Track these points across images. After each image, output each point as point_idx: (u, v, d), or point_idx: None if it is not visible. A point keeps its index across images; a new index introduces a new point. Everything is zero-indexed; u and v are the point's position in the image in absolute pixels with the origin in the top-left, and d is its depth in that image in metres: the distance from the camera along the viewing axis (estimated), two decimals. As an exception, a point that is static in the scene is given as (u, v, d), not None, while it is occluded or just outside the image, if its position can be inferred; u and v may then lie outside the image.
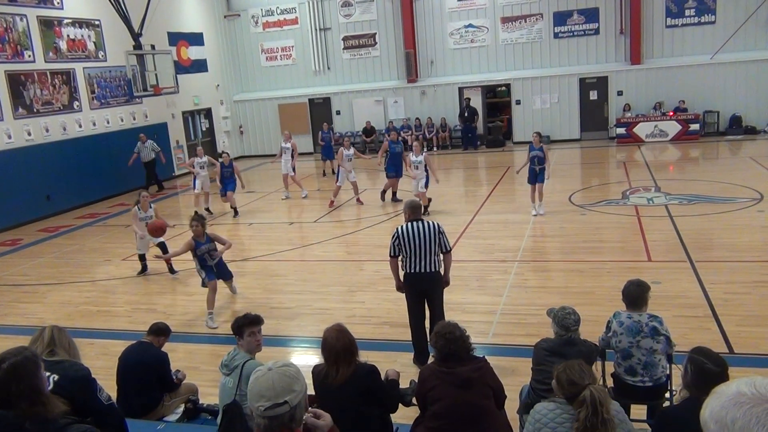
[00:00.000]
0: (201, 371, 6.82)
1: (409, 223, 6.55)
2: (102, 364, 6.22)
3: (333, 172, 19.28)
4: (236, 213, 14.98)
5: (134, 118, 20.20)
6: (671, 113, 20.90)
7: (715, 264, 9.10)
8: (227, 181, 14.84)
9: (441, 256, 6.57)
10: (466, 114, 22.72)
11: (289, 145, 16.30)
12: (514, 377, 5.78)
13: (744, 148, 18.78)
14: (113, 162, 18.75)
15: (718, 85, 20.80)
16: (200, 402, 5.72)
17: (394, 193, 14.96)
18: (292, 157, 16.19)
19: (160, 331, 5.67)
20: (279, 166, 16.73)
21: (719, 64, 20.71)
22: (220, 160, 15.29)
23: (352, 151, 15.21)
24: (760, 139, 19.94)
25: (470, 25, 23.06)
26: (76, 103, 18.08)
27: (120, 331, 8.40)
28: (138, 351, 5.49)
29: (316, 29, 24.45)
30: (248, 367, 4.51)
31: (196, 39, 23.49)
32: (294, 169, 16.35)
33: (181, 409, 5.61)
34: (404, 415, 4.88)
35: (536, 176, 12.60)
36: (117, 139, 19.13)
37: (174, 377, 5.67)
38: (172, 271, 10.82)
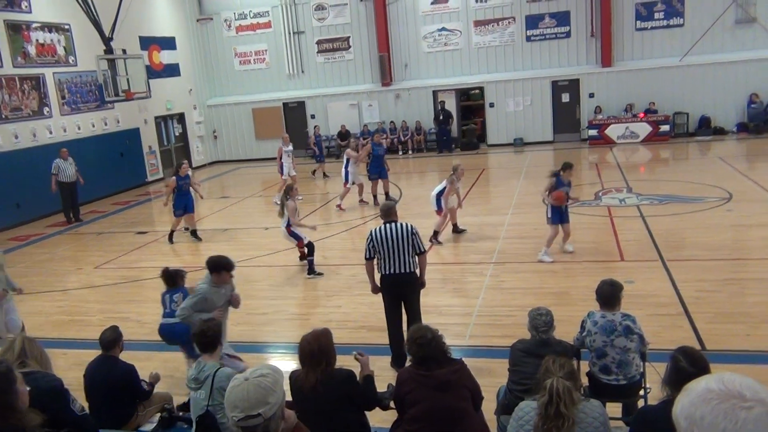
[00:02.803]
0: (177, 379, 6.74)
1: (383, 225, 6.58)
2: (75, 374, 6.11)
3: (325, 175, 19.35)
4: (195, 235, 13.19)
5: (106, 124, 19.93)
6: (642, 115, 21.22)
7: (686, 263, 9.25)
8: (186, 195, 12.94)
9: (416, 257, 6.59)
10: (440, 117, 22.82)
11: (291, 147, 16.22)
12: (491, 378, 5.81)
13: (713, 149, 19.13)
14: (84, 168, 18.44)
15: (687, 86, 21.17)
16: (175, 410, 5.65)
17: (374, 196, 15.01)
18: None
19: (113, 341, 5.40)
20: (258, 170, 16.69)
21: (688, 66, 21.07)
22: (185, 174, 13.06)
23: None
24: (728, 140, 20.33)
25: (443, 29, 23.18)
26: (46, 109, 17.80)
27: (93, 340, 8.23)
28: (103, 368, 5.30)
29: (289, 33, 24.37)
30: (220, 376, 4.45)
31: (168, 43, 23.26)
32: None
33: (157, 418, 5.54)
34: (382, 419, 4.88)
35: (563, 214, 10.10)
36: (88, 146, 18.84)
37: (145, 383, 5.55)
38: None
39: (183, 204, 12.85)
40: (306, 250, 10.30)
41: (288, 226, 10.25)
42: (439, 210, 11.38)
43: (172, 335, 6.76)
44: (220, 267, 5.95)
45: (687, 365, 3.62)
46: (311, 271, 10.13)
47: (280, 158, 16.37)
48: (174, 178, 12.90)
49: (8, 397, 2.64)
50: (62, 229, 15.78)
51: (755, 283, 8.26)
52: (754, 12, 20.53)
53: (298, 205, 11.11)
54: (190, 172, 13.27)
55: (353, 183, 14.96)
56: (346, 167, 14.93)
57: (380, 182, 14.99)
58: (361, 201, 15.37)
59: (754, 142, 19.46)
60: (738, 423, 1.40)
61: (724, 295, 7.94)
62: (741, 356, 6.41)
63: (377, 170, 14.71)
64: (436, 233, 11.31)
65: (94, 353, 5.57)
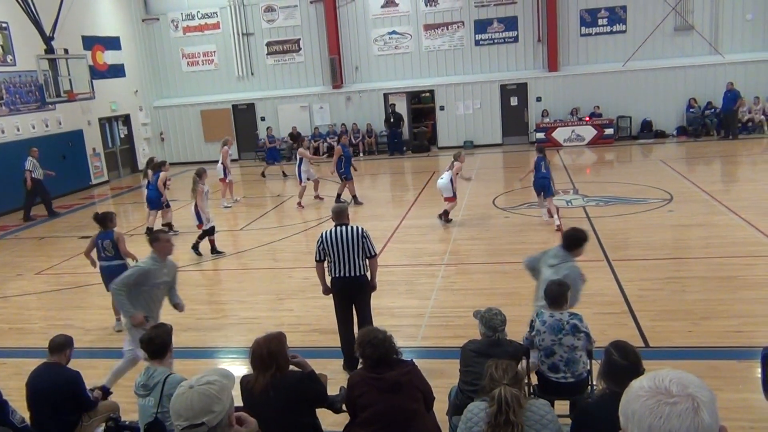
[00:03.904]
0: (123, 387, 6.55)
1: (334, 228, 6.56)
2: (16, 384, 5.89)
3: (284, 175, 19.24)
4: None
5: (47, 126, 19.28)
6: (587, 118, 21.75)
7: (630, 262, 9.52)
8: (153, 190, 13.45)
9: (366, 260, 6.59)
10: (391, 120, 22.91)
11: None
12: (443, 379, 5.85)
13: (655, 152, 19.76)
14: (24, 172, 17.82)
15: (630, 91, 21.81)
16: (122, 420, 5.50)
17: (354, 196, 15.11)
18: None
19: (63, 345, 5.29)
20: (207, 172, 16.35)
21: (631, 71, 21.72)
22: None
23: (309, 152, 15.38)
24: (668, 143, 21.03)
25: (394, 32, 23.30)
26: (-18, 110, 17.13)
27: (35, 348, 7.97)
28: (46, 375, 5.12)
29: (238, 34, 24.08)
30: (170, 382, 4.36)
31: (112, 43, 22.67)
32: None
33: (102, 428, 5.38)
34: (334, 422, 4.86)
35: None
36: (29, 148, 18.18)
37: (90, 395, 5.39)
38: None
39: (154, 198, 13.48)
40: (203, 234, 11.55)
41: (196, 205, 11.43)
42: (453, 196, 12.42)
43: (112, 276, 7.16)
44: (154, 239, 6.49)
45: (619, 358, 3.75)
46: (213, 250, 11.56)
47: (222, 161, 16.10)
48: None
49: None
50: (1, 234, 15.19)
51: (695, 281, 8.55)
52: (692, 20, 21.32)
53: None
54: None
55: (308, 179, 15.26)
56: (299, 167, 15.18)
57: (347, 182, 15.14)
58: (317, 197, 15.58)
59: (693, 145, 20.19)
60: (662, 418, 1.46)
61: (666, 293, 8.20)
62: (683, 352, 6.63)
63: (348, 171, 14.95)
64: (446, 213, 12.50)
65: (36, 362, 5.37)
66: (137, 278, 6.19)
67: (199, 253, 11.61)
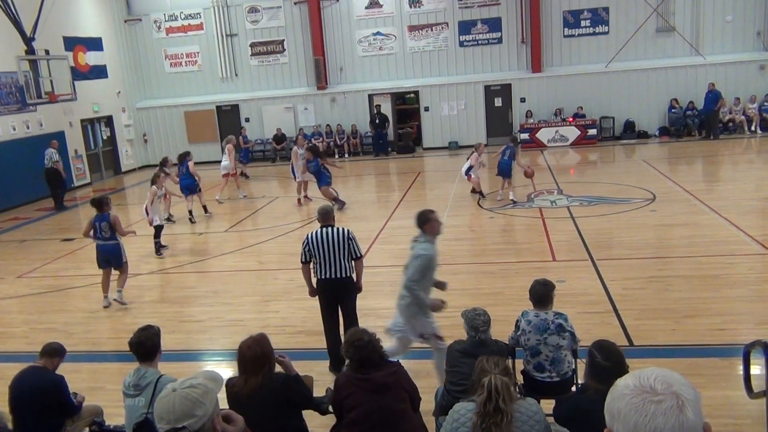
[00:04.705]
0: (107, 391, 6.51)
1: (320, 229, 6.55)
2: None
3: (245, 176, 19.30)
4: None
5: (28, 127, 19.05)
6: (570, 119, 21.89)
7: (613, 261, 9.59)
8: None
9: (353, 262, 6.58)
10: (377, 120, 22.91)
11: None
12: (429, 379, 5.86)
13: (637, 152, 19.93)
14: (5, 174, 17.64)
15: (613, 92, 21.99)
16: (106, 423, 5.45)
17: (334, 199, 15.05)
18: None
19: (54, 352, 5.26)
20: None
21: (613, 72, 21.90)
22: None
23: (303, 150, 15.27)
24: (651, 143, 21.21)
25: (378, 33, 23.30)
26: (-39, 111, 16.89)
27: (16, 353, 7.89)
28: (31, 377, 5.08)
29: (222, 35, 23.96)
30: (163, 383, 4.33)
31: (94, 44, 22.46)
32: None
33: (86, 432, 5.33)
34: (321, 423, 4.85)
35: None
36: (9, 150, 18.00)
37: (73, 400, 5.34)
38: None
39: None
40: (155, 231, 12.06)
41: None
42: (469, 176, 14.38)
43: (106, 254, 9.21)
44: (425, 220, 5.85)
45: (602, 360, 3.77)
46: (158, 251, 11.98)
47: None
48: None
49: None
50: (-19, 237, 15.01)
51: (678, 279, 8.63)
52: (674, 21, 21.54)
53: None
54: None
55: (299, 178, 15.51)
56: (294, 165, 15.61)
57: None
58: (306, 197, 15.64)
59: (675, 146, 20.40)
60: (648, 416, 1.48)
61: (649, 292, 8.26)
62: (667, 350, 6.69)
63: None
64: (474, 189, 14.55)
65: (19, 366, 5.32)
66: (428, 264, 5.69)
67: (162, 249, 12.17)
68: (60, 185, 17.95)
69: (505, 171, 13.96)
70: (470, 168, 14.25)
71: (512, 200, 13.77)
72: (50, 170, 17.56)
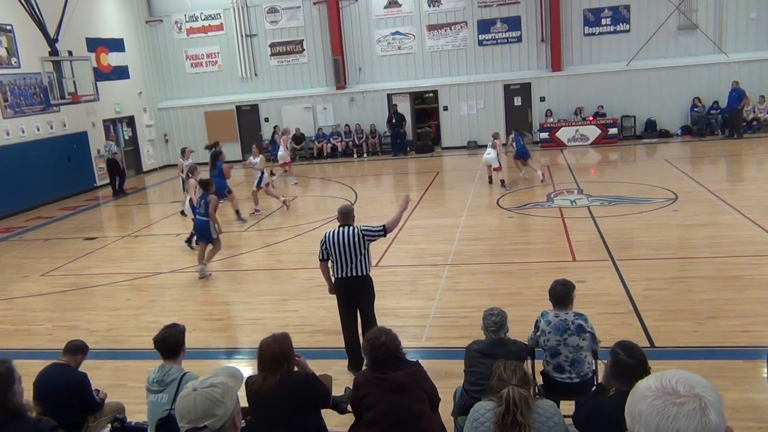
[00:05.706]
0: (128, 388, 6.58)
1: (338, 228, 6.63)
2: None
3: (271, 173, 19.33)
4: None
5: (51, 127, 19.33)
6: (591, 118, 21.71)
7: (635, 262, 9.49)
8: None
9: (370, 259, 6.66)
10: (393, 120, 22.91)
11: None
12: (448, 380, 5.85)
13: (659, 151, 19.71)
14: (29, 173, 17.91)
15: (634, 90, 21.76)
16: (128, 420, 5.51)
17: (285, 202, 15.26)
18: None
19: (77, 349, 5.34)
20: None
21: (634, 71, 21.68)
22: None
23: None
24: (673, 142, 20.97)
25: (397, 33, 23.30)
26: (-13, 112, 17.17)
27: (40, 350, 8.00)
28: (54, 374, 5.14)
29: (242, 35, 24.11)
30: (187, 380, 4.37)
31: (116, 45, 22.72)
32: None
33: (108, 429, 5.38)
34: (339, 422, 4.86)
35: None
36: (33, 150, 18.26)
37: (96, 396, 5.41)
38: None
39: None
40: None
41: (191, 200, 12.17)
42: (500, 166, 15.36)
43: (200, 228, 10.56)
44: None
45: (625, 357, 3.73)
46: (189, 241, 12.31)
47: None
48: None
49: (8, 395, 2.63)
50: (6, 235, 15.24)
51: (700, 280, 8.52)
52: (696, 19, 21.26)
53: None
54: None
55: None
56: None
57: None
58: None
59: (698, 145, 20.14)
60: (670, 418, 1.46)
61: (671, 292, 8.17)
62: (689, 352, 6.60)
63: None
64: (503, 181, 15.29)
65: (42, 363, 5.39)
66: None
67: (192, 247, 12.14)
68: (119, 173, 19.72)
69: (523, 153, 15.59)
70: (497, 156, 15.24)
71: (541, 176, 15.43)
72: (110, 161, 19.57)
